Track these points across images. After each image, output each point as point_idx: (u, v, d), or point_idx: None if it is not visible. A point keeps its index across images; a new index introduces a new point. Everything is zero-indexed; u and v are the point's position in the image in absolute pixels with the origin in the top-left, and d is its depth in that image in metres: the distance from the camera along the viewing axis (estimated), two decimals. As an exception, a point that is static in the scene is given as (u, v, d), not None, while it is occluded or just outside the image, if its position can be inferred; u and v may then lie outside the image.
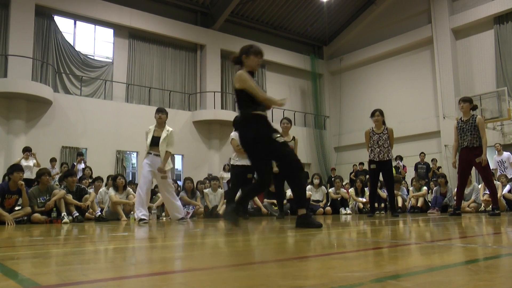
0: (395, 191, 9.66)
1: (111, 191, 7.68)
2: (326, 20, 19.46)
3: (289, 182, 4.11)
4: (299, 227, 3.84)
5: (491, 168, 10.54)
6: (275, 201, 9.18)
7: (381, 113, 6.90)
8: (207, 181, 9.78)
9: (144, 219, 5.93)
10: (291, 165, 3.90)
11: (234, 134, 7.23)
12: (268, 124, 3.96)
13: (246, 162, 7.18)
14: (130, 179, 14.32)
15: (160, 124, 6.27)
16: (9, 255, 2.25)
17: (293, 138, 7.00)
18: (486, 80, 15.34)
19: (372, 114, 6.93)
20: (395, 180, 10.05)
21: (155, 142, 6.17)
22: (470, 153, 6.23)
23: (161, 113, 6.28)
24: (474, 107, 6.43)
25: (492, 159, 10.91)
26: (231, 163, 7.29)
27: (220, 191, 9.14)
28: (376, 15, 19.27)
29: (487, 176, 6.28)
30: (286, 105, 19.27)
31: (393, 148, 7.00)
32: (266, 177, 3.94)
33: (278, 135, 3.94)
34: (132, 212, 7.50)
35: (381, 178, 7.16)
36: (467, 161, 6.30)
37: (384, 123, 6.94)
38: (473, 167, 6.50)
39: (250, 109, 3.91)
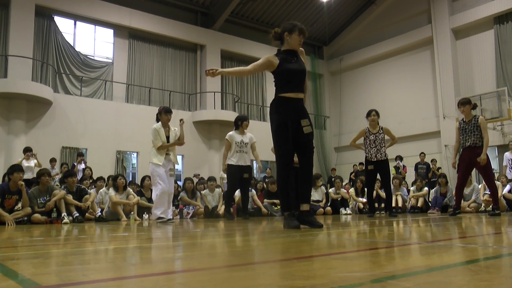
0: (396, 192, 9.71)
1: (111, 191, 7.67)
2: (326, 20, 19.47)
3: (304, 175, 3.96)
4: (301, 223, 3.82)
5: (502, 165, 10.58)
6: (275, 201, 9.20)
7: (377, 113, 6.95)
8: (207, 181, 9.78)
9: (162, 218, 6.04)
10: (312, 158, 3.96)
11: (229, 135, 7.23)
12: (291, 108, 3.90)
13: (241, 162, 7.15)
14: (130, 179, 14.32)
15: (166, 124, 6.33)
16: (10, 256, 2.25)
17: None
18: (486, 80, 15.34)
19: (368, 114, 6.96)
20: (395, 180, 10.09)
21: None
22: (472, 153, 6.23)
23: (170, 114, 6.35)
24: (474, 106, 6.44)
25: (494, 158, 10.95)
26: (227, 162, 7.25)
27: (218, 191, 9.13)
28: (376, 15, 19.27)
29: (488, 175, 6.28)
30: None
31: (396, 144, 7.09)
32: (283, 168, 3.87)
33: (306, 124, 3.90)
34: (132, 213, 7.51)
35: (378, 177, 7.18)
36: (469, 161, 6.30)
37: (378, 123, 6.97)
38: (475, 167, 6.51)
39: (275, 94, 3.97)
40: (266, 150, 7.68)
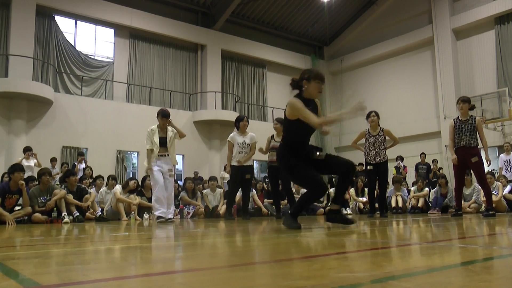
0: (396, 192, 9.71)
1: (118, 187, 7.72)
2: (327, 21, 19.46)
3: (347, 178, 3.94)
4: (331, 221, 3.95)
5: (497, 167, 10.60)
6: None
7: (377, 114, 6.91)
8: (208, 181, 9.78)
9: (161, 217, 6.07)
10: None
11: (230, 137, 7.20)
12: (302, 152, 3.85)
13: (243, 163, 7.11)
14: (131, 179, 14.32)
15: (163, 128, 6.40)
16: (10, 255, 2.26)
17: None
18: (487, 81, 15.33)
19: (368, 116, 6.92)
20: (395, 180, 10.10)
21: (162, 142, 6.30)
22: (466, 153, 6.22)
23: (166, 119, 6.35)
24: (472, 107, 6.42)
25: (495, 158, 10.97)
26: (231, 163, 7.24)
27: (219, 191, 9.14)
28: (377, 16, 19.26)
29: (481, 176, 6.26)
30: (287, 105, 19.37)
31: (398, 145, 7.09)
32: (319, 186, 3.74)
33: (318, 153, 3.85)
34: (132, 212, 7.52)
35: None
36: (462, 161, 6.30)
37: (378, 124, 6.94)
38: (469, 168, 6.50)
39: (286, 140, 3.88)
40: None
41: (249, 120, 7.54)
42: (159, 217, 6.10)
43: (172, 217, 6.34)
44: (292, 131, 3.91)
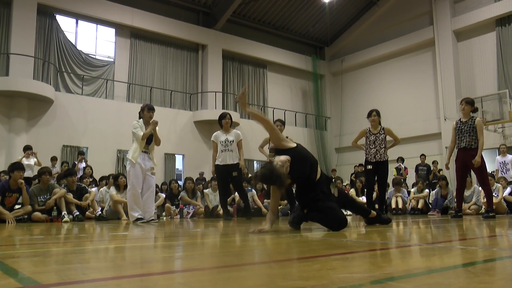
0: (396, 193, 9.71)
1: (112, 190, 7.69)
2: (328, 21, 19.47)
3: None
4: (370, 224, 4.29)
5: (494, 168, 10.63)
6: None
7: (378, 113, 6.91)
8: (210, 181, 9.77)
9: (141, 219, 5.90)
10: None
11: (213, 136, 7.16)
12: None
13: (228, 161, 7.02)
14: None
15: (148, 122, 6.16)
16: (9, 254, 2.26)
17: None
18: (488, 82, 15.33)
19: (369, 115, 6.93)
20: (396, 182, 10.10)
21: (147, 139, 6.11)
22: (467, 154, 6.20)
23: (152, 112, 6.20)
24: (475, 110, 6.42)
25: (494, 160, 10.99)
26: (215, 163, 7.14)
27: (221, 191, 9.12)
28: (378, 17, 19.26)
29: (483, 178, 6.26)
30: (288, 106, 19.39)
31: (398, 146, 7.08)
32: (343, 221, 3.68)
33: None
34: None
35: None
36: (463, 162, 6.29)
37: (379, 123, 6.94)
38: (470, 169, 6.50)
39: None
40: (265, 149, 7.63)
41: (231, 117, 7.31)
42: (139, 218, 5.84)
43: (154, 218, 6.13)
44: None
